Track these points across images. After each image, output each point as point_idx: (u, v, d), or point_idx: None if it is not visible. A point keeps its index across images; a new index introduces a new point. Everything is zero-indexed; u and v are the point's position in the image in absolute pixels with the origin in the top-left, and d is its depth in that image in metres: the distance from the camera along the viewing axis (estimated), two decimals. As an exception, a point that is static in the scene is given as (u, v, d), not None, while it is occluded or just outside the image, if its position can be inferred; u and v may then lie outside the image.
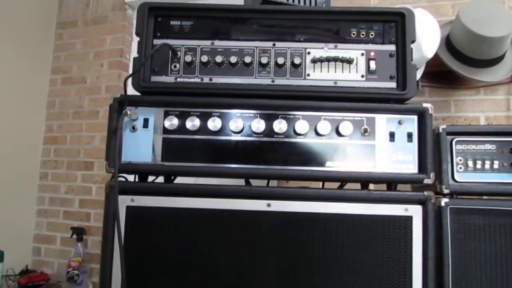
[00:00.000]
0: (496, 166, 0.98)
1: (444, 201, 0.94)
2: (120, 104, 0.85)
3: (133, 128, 0.85)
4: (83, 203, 2.20)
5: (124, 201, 0.83)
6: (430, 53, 1.40)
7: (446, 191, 0.97)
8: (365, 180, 0.88)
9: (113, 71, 2.23)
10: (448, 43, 1.49)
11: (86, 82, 2.28)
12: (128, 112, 0.83)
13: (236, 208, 0.82)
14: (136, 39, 0.87)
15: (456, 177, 0.98)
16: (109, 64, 2.24)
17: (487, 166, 0.98)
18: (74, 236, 2.06)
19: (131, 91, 0.88)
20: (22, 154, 2.23)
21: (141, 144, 0.85)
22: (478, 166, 0.99)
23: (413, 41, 0.85)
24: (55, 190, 2.26)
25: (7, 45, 2.12)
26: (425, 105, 0.83)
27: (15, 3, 2.16)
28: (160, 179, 0.99)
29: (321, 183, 1.15)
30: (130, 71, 0.85)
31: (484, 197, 1.03)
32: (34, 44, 2.29)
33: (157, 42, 0.87)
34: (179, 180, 0.96)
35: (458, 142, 1.00)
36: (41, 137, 2.34)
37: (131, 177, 0.92)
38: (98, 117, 2.23)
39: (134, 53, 0.86)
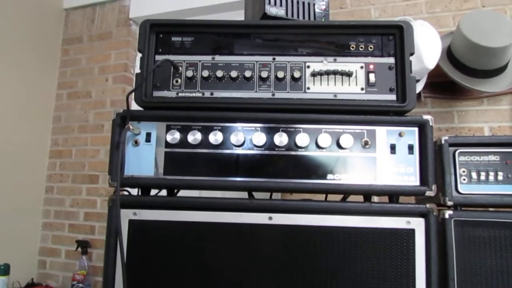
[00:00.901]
0: (500, 177, 0.97)
1: (448, 213, 0.93)
2: (123, 119, 0.86)
3: (136, 143, 0.86)
4: (88, 216, 2.20)
5: (127, 215, 0.83)
6: (431, 64, 1.41)
7: (449, 203, 0.96)
8: (366, 193, 0.88)
9: (117, 86, 2.26)
10: (449, 54, 1.49)
11: (91, 97, 2.31)
12: (131, 127, 0.84)
13: (238, 221, 0.82)
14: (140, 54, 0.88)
15: (459, 189, 0.97)
16: (113, 79, 2.27)
17: (491, 177, 0.98)
18: (79, 249, 2.07)
19: (135, 106, 0.89)
20: (28, 167, 2.25)
21: (144, 158, 0.86)
22: (482, 177, 0.98)
23: (411, 54, 0.85)
24: (61, 203, 2.28)
25: (14, 61, 2.16)
26: (425, 117, 0.83)
27: (23, 20, 2.21)
28: (163, 192, 1.00)
29: (324, 196, 1.14)
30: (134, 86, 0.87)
31: (489, 209, 1.02)
32: (41, 60, 2.33)
33: (159, 58, 0.89)
34: (184, 193, 0.96)
35: (461, 154, 0.99)
36: (47, 151, 2.36)
37: (134, 191, 0.92)
38: (103, 131, 2.25)
39: (138, 68, 0.87)
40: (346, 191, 0.87)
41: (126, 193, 0.91)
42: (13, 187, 2.12)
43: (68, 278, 2.06)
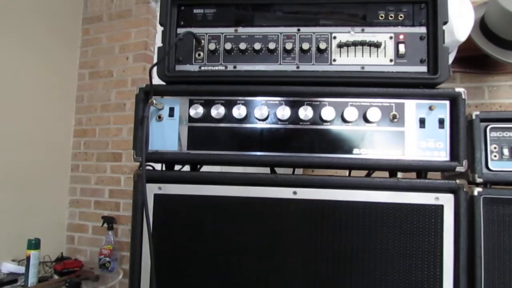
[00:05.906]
0: (533, 154, 0.93)
1: (477, 190, 0.90)
2: (146, 94, 0.85)
3: (159, 118, 0.86)
4: (113, 193, 2.26)
5: (152, 189, 0.84)
6: (462, 37, 1.34)
7: (479, 180, 0.93)
8: (393, 168, 0.86)
9: (138, 64, 2.27)
10: (482, 25, 1.41)
11: (112, 76, 2.34)
12: (154, 102, 0.84)
13: (262, 196, 0.82)
14: (160, 31, 0.87)
15: (490, 166, 0.94)
16: (134, 57, 2.28)
17: (524, 154, 0.93)
18: (105, 225, 2.13)
19: (157, 81, 0.89)
20: (54, 147, 2.31)
21: (167, 133, 0.86)
22: (515, 154, 0.94)
23: (445, 22, 0.81)
24: (86, 181, 2.34)
25: (36, 42, 2.19)
26: (457, 89, 0.80)
27: (43, 2, 2.22)
28: (186, 168, 1.00)
29: (347, 172, 1.13)
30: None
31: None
32: (63, 40, 2.36)
33: (181, 31, 0.87)
34: (207, 168, 0.96)
35: (492, 129, 0.95)
36: (71, 130, 2.42)
37: (157, 167, 0.93)
38: (125, 109, 2.28)
39: (160, 43, 0.86)
40: (373, 167, 0.85)
41: (150, 168, 0.92)
42: (41, 166, 2.19)
43: (96, 252, 2.14)
